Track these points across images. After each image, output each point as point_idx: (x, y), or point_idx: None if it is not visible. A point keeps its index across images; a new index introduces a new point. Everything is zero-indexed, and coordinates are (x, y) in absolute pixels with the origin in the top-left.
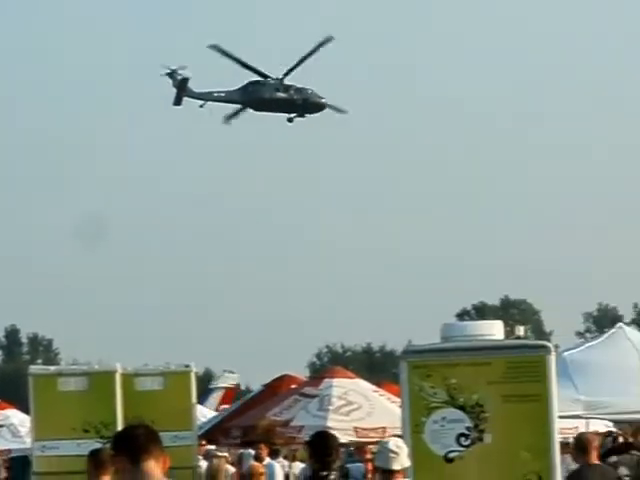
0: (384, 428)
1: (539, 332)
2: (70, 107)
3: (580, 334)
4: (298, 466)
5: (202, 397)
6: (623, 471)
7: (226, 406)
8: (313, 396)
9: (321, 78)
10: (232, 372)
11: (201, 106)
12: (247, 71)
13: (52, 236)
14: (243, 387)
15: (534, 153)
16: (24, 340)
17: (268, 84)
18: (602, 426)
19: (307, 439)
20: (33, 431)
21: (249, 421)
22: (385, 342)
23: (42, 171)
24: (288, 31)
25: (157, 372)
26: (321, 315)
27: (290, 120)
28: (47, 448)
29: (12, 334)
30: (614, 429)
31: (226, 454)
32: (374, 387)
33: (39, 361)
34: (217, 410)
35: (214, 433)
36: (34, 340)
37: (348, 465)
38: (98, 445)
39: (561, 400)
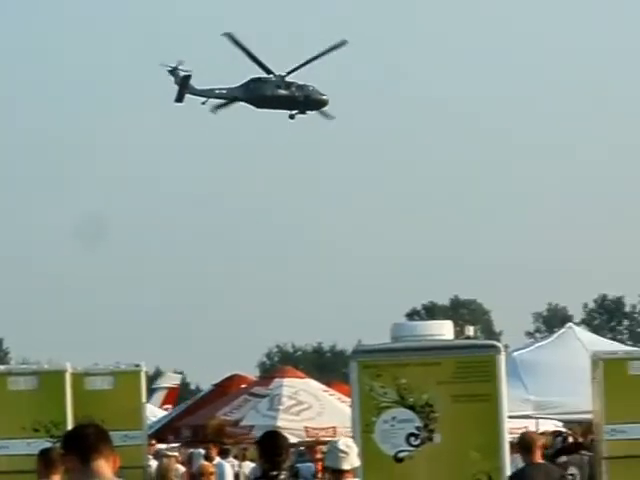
0: (334, 428)
1: (489, 332)
2: (70, 107)
3: (530, 334)
4: (248, 466)
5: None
6: (573, 471)
7: (169, 406)
8: (263, 396)
9: (320, 77)
10: (176, 372)
11: (203, 103)
12: (251, 65)
13: (53, 236)
14: (193, 387)
15: (486, 151)
16: None
17: (270, 81)
18: (552, 426)
19: (257, 439)
20: None
21: (199, 420)
22: (335, 342)
23: (42, 171)
24: (290, 30)
25: (107, 371)
26: (271, 315)
27: (292, 117)
28: None
29: None
30: (564, 429)
31: (176, 453)
32: (324, 387)
33: None
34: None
35: (164, 432)
36: None
37: (298, 465)
38: (48, 444)
39: (511, 400)
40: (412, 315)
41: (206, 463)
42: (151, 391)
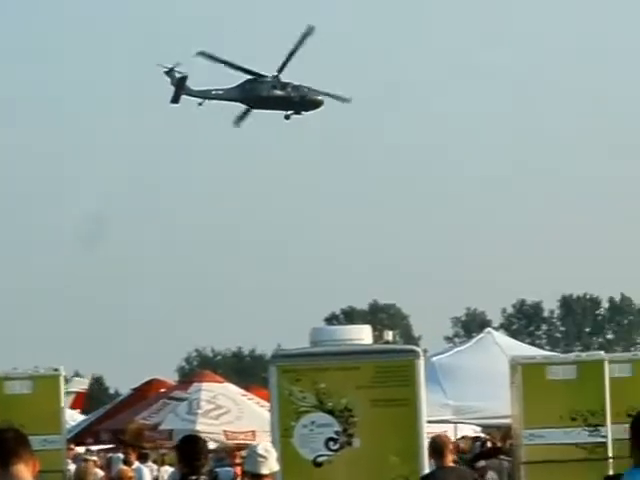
0: (253, 432)
1: (408, 337)
2: (70, 107)
3: (449, 339)
4: (167, 470)
5: None
6: (492, 475)
7: (77, 410)
8: (182, 400)
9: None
10: (94, 376)
11: (200, 104)
12: (241, 73)
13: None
14: (112, 391)
15: (413, 159)
16: None
17: (265, 82)
18: (470, 431)
19: (176, 443)
20: None
21: (118, 425)
22: (255, 346)
23: (42, 171)
24: (285, 29)
25: (26, 376)
26: (191, 319)
27: (287, 117)
28: None
29: None
30: (482, 434)
31: (95, 458)
32: (243, 391)
33: None
34: None
35: (83, 436)
36: None
37: (217, 469)
38: None
39: (430, 405)
40: (331, 319)
41: (125, 467)
42: None
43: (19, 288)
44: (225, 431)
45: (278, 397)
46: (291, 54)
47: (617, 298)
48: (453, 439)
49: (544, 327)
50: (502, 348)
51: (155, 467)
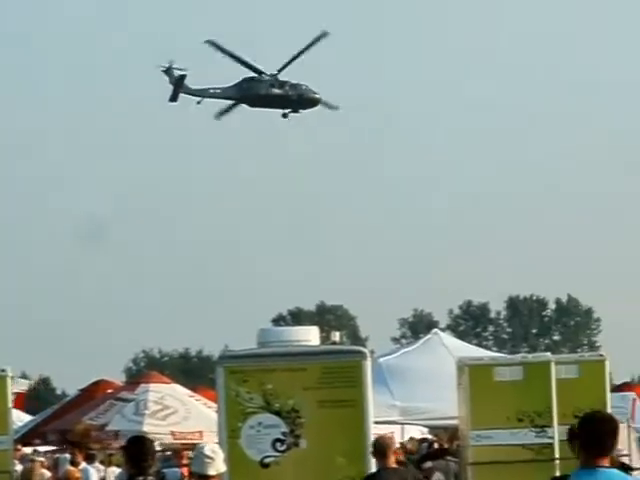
0: (200, 432)
1: (355, 338)
2: (70, 107)
3: (396, 340)
4: (114, 471)
5: None
6: (438, 476)
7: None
8: (129, 400)
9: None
10: (42, 377)
11: (198, 102)
12: (242, 67)
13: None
14: (59, 391)
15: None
16: None
17: (263, 80)
18: (418, 432)
19: (123, 444)
20: None
21: (65, 425)
22: (202, 347)
23: (42, 171)
24: (285, 27)
25: None
26: (137, 320)
27: (285, 115)
28: None
29: None
30: (429, 435)
31: (42, 458)
32: (190, 392)
33: None
34: None
35: (30, 437)
36: None
37: (164, 470)
38: None
39: (377, 406)
40: (278, 321)
41: (72, 468)
42: None
43: None
44: (172, 432)
45: (225, 398)
46: (297, 56)
47: (564, 299)
48: (400, 440)
49: (491, 328)
50: (449, 349)
51: (102, 468)
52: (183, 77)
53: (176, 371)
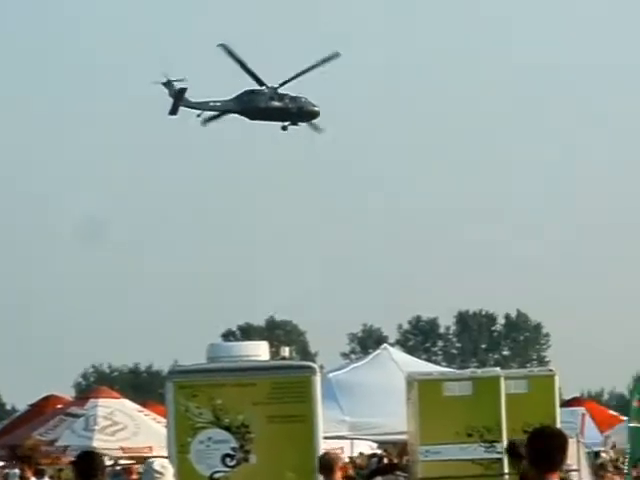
0: (150, 448)
1: (304, 353)
2: (70, 107)
3: (345, 355)
4: None
5: None
6: None
7: None
8: (79, 416)
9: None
10: None
11: (198, 115)
12: (245, 76)
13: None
14: (9, 407)
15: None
16: None
17: (263, 93)
18: (367, 447)
19: (73, 459)
20: None
21: (15, 440)
22: (152, 362)
23: (42, 171)
24: (289, 41)
25: None
26: (87, 334)
27: (284, 128)
28: None
29: None
30: (379, 450)
31: None
32: (139, 407)
33: None
34: None
35: None
36: None
37: None
38: None
39: (326, 421)
40: (228, 336)
41: None
42: None
43: None
44: (122, 447)
45: (175, 413)
46: (303, 73)
47: (513, 314)
48: (350, 455)
49: (440, 343)
50: (398, 364)
51: None
52: (183, 90)
53: (126, 386)
